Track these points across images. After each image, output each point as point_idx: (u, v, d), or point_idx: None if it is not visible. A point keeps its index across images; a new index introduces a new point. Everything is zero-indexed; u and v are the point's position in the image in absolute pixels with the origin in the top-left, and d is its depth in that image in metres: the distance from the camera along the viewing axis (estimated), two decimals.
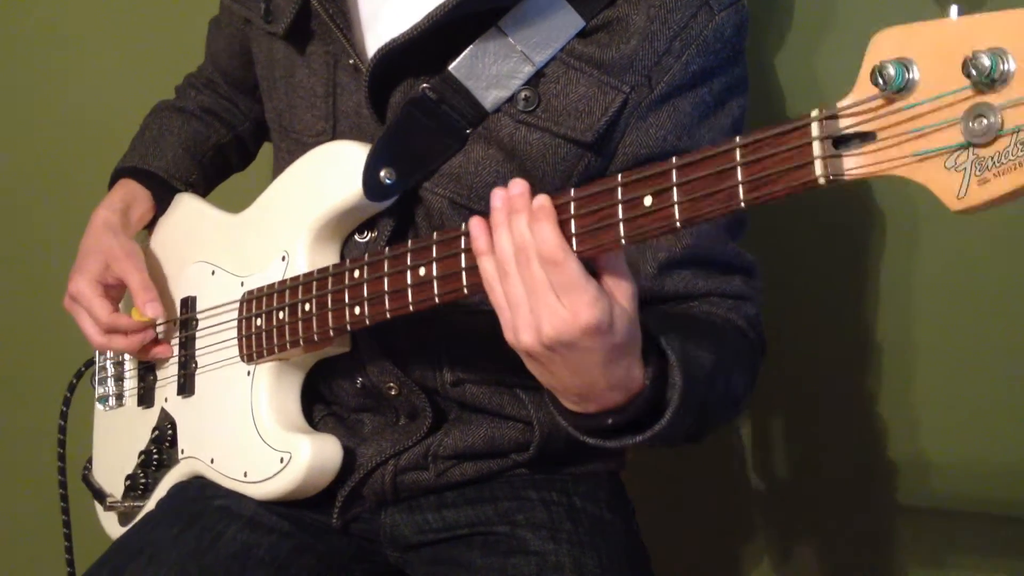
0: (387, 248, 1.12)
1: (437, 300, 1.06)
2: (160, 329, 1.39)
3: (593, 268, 0.95)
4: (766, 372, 1.62)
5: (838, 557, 1.73)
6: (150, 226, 1.49)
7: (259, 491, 1.27)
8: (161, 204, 1.47)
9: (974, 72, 0.71)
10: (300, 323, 1.21)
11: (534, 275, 0.93)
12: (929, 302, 1.59)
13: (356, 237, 1.24)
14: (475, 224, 0.98)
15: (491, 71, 1.16)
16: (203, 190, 1.51)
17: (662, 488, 1.74)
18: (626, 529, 1.31)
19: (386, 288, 1.11)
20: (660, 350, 1.01)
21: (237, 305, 1.30)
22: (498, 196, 0.97)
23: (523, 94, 1.17)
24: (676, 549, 1.67)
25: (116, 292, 1.40)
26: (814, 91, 1.58)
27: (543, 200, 0.95)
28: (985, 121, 0.72)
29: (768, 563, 1.79)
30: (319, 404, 1.33)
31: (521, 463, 1.30)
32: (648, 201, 0.90)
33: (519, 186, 0.96)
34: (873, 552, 1.70)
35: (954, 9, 0.76)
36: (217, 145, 1.54)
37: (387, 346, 1.25)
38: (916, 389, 1.62)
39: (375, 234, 1.23)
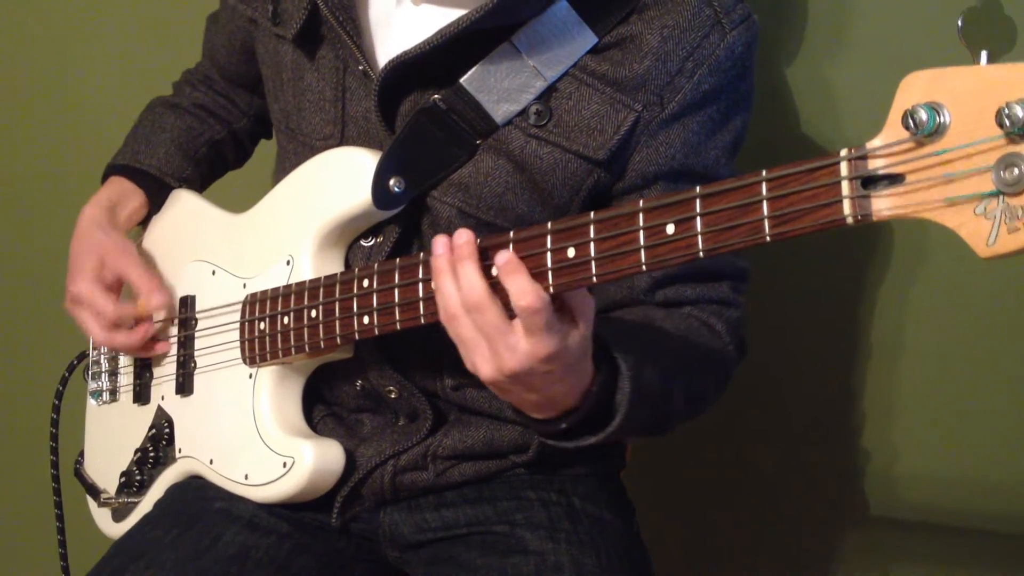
0: (397, 259, 1.12)
1: None
2: (158, 327, 1.38)
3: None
4: (766, 376, 1.65)
5: (837, 558, 1.76)
6: (144, 223, 1.47)
7: (261, 494, 1.27)
8: (154, 201, 1.46)
9: (1007, 123, 0.72)
10: (306, 329, 1.21)
11: (489, 321, 0.98)
12: (925, 308, 1.61)
13: (361, 242, 1.24)
14: (436, 244, 1.02)
15: (503, 85, 1.16)
16: (198, 187, 1.50)
17: (662, 488, 1.76)
18: (626, 529, 1.32)
19: (396, 300, 1.11)
20: (613, 357, 1.07)
21: (239, 307, 1.29)
22: (440, 243, 1.00)
23: (534, 108, 1.17)
24: (676, 549, 1.69)
25: (116, 290, 1.39)
26: (825, 99, 1.59)
27: (507, 255, 0.98)
28: (1016, 171, 0.73)
29: (768, 563, 1.81)
30: (319, 404, 1.33)
31: (520, 464, 1.31)
32: (671, 229, 0.91)
33: (464, 235, 0.99)
34: (871, 554, 1.73)
35: (984, 55, 0.77)
36: (211, 141, 1.52)
37: (387, 350, 1.25)
38: (920, 396, 1.65)
39: (380, 239, 1.23)
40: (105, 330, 1.35)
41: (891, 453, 1.67)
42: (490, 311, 0.97)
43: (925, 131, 0.76)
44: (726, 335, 1.23)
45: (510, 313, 0.98)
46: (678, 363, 1.14)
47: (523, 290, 0.96)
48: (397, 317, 1.12)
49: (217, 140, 1.53)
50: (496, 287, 0.98)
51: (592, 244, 0.95)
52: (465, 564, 1.24)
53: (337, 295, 1.18)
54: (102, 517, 1.47)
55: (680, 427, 1.21)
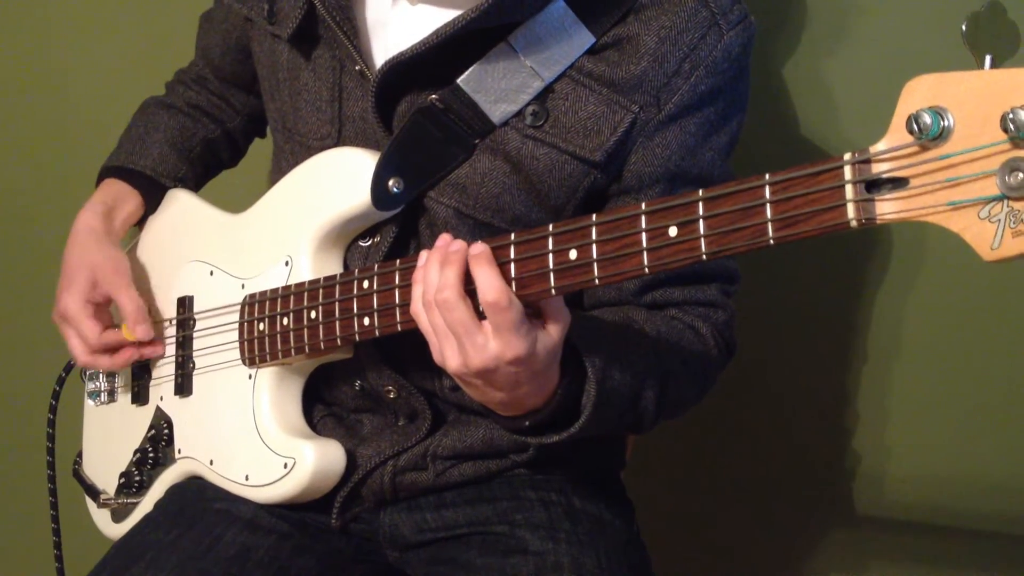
0: (397, 260, 1.12)
1: None
2: (140, 353, 1.38)
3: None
4: (765, 376, 1.64)
5: (837, 557, 1.76)
6: (141, 223, 1.47)
7: (261, 495, 1.27)
8: (150, 202, 1.46)
9: (1012, 127, 0.73)
10: (305, 330, 1.21)
11: (457, 319, 0.99)
12: (922, 311, 1.61)
13: (359, 242, 1.24)
14: (421, 255, 1.04)
15: (500, 85, 1.16)
16: (193, 186, 1.49)
17: (662, 488, 1.76)
18: (626, 529, 1.32)
19: (397, 301, 1.11)
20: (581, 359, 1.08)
21: (238, 308, 1.29)
22: (440, 240, 1.03)
23: (531, 109, 1.17)
24: (676, 549, 1.69)
25: (105, 308, 1.39)
26: (825, 100, 1.59)
27: (482, 246, 1.00)
28: (1021, 175, 0.73)
29: (768, 562, 1.82)
30: (318, 405, 1.33)
31: (520, 463, 1.31)
32: (673, 232, 0.91)
33: (461, 244, 1.02)
34: (872, 554, 1.73)
35: (988, 59, 0.77)
36: (205, 140, 1.51)
37: (386, 351, 1.25)
38: (920, 398, 1.66)
39: (377, 240, 1.23)
40: (87, 354, 1.36)
41: (894, 454, 1.68)
42: (459, 309, 0.99)
43: (929, 135, 0.76)
44: (711, 338, 1.23)
45: (483, 316, 1.00)
46: (651, 366, 1.15)
47: (490, 285, 0.98)
48: (398, 319, 1.12)
49: (211, 139, 1.52)
50: (472, 294, 1.00)
51: (594, 246, 0.96)
52: (465, 564, 1.24)
53: (337, 296, 1.18)
54: (101, 518, 1.46)
55: (671, 424, 1.22)
